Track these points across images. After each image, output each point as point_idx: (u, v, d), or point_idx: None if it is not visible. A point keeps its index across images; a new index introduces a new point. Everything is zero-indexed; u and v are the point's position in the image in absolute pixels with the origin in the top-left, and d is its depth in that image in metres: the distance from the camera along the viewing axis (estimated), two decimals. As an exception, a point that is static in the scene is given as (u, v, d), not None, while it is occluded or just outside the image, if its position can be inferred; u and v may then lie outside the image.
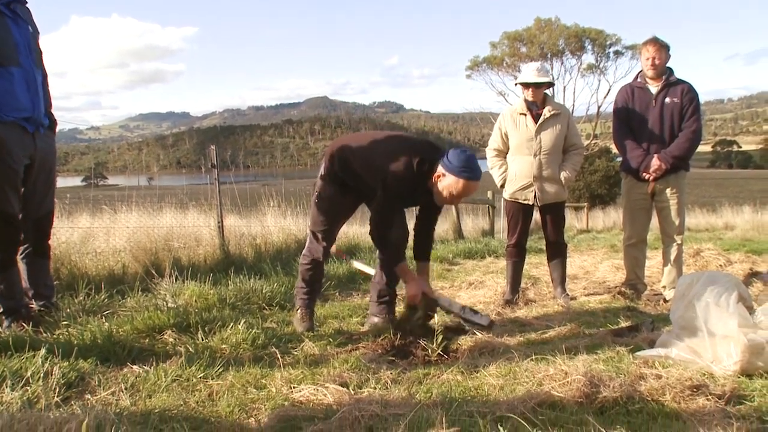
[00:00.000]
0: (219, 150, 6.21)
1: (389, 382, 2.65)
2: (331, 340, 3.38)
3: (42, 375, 2.48)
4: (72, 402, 2.35)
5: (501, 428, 1.96)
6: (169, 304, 3.73)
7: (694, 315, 2.96)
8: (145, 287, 4.30)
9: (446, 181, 3.22)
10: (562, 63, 33.26)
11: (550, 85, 4.67)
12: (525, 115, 4.63)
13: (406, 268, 3.44)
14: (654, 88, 4.65)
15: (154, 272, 4.54)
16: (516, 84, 4.78)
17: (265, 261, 5.90)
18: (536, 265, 6.97)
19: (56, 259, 4.48)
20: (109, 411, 2.10)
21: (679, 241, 4.78)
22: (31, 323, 3.22)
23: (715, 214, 20.30)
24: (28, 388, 2.38)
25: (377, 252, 3.87)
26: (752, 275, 5.80)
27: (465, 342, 3.35)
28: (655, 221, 4.92)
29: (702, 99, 5.06)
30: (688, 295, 3.05)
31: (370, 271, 3.99)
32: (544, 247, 4.98)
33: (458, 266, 7.27)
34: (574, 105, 33.33)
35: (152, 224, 5.88)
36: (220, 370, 2.77)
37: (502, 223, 12.63)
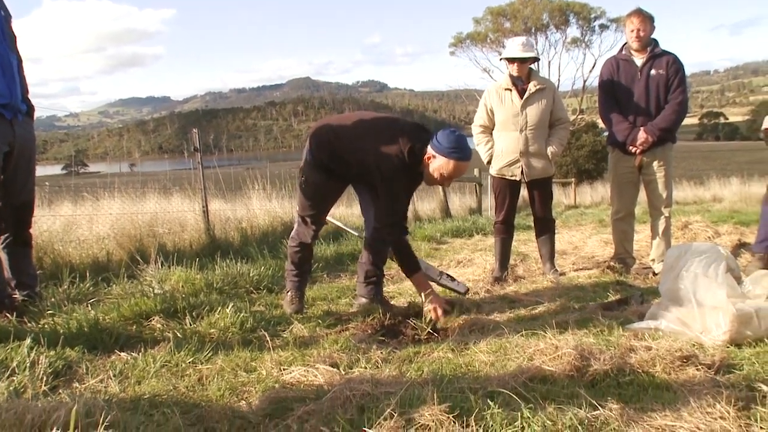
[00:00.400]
0: (201, 134, 6.13)
1: (380, 361, 2.65)
2: (320, 321, 3.38)
3: (28, 365, 2.46)
4: (60, 390, 2.33)
5: (492, 403, 1.96)
6: (156, 290, 3.72)
7: (682, 286, 2.98)
8: (130, 274, 4.26)
9: (437, 163, 3.21)
10: (546, 37, 33.28)
11: (535, 59, 4.66)
12: (510, 90, 4.60)
13: (422, 280, 3.43)
14: (639, 60, 4.63)
15: (139, 259, 4.50)
16: (501, 59, 4.74)
17: (251, 244, 5.86)
18: (525, 242, 6.98)
19: (38, 248, 4.45)
20: (99, 398, 2.09)
21: (667, 214, 4.79)
22: (14, 313, 3.17)
23: (703, 187, 20.44)
24: (14, 378, 2.35)
25: (364, 231, 3.87)
26: (740, 246, 5.84)
27: (455, 320, 3.36)
28: (642, 195, 4.91)
29: (688, 71, 5.09)
30: (676, 267, 3.07)
31: (351, 230, 4.03)
32: (533, 224, 4.99)
33: (446, 245, 7.26)
34: (559, 80, 33.42)
35: (136, 210, 5.84)
36: (209, 355, 2.76)
37: (489, 201, 12.63)
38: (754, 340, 2.75)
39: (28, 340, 2.72)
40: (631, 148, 4.64)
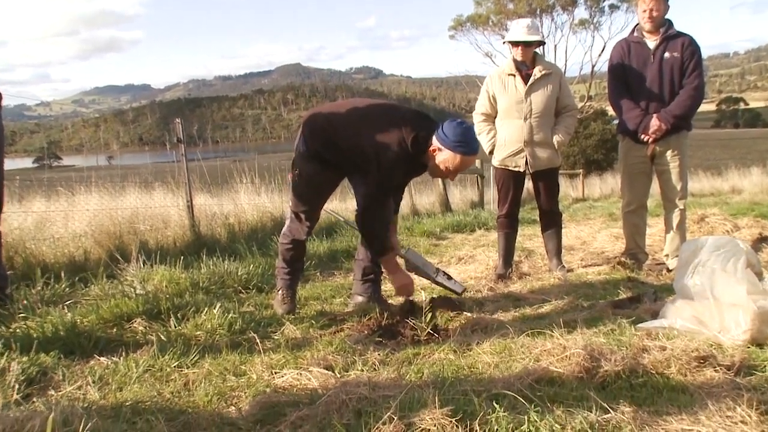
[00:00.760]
0: (185, 124, 6.07)
1: (377, 363, 2.65)
2: (313, 322, 3.38)
3: (-2, 371, 2.52)
4: (34, 399, 2.31)
5: (497, 406, 1.96)
6: (138, 291, 3.71)
7: (699, 283, 2.96)
8: (110, 274, 4.24)
9: (442, 156, 3.20)
10: (552, 19, 32.91)
11: (541, 43, 4.61)
12: (514, 76, 4.57)
13: (394, 262, 3.43)
14: (652, 42, 4.57)
15: (119, 257, 4.49)
16: (504, 43, 4.69)
17: (239, 241, 5.85)
18: (530, 237, 6.98)
19: (9, 246, 4.42)
20: (77, 405, 2.08)
21: (682, 207, 4.75)
22: (-16, 316, 3.22)
23: (721, 178, 20.36)
24: (-16, 386, 2.41)
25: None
26: (761, 240, 5.78)
27: (456, 319, 3.36)
28: (655, 186, 4.88)
29: (705, 53, 5.05)
30: (692, 261, 3.05)
31: (348, 223, 4.10)
32: (538, 218, 4.96)
33: (446, 240, 7.26)
34: (566, 64, 33.15)
35: (115, 206, 5.81)
36: (196, 358, 2.76)
37: (492, 194, 12.62)
38: (776, 340, 2.84)
39: (-2, 345, 2.78)
40: (643, 136, 4.59)
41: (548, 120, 4.58)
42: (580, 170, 25.61)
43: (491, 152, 4.75)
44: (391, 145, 3.18)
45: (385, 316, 3.33)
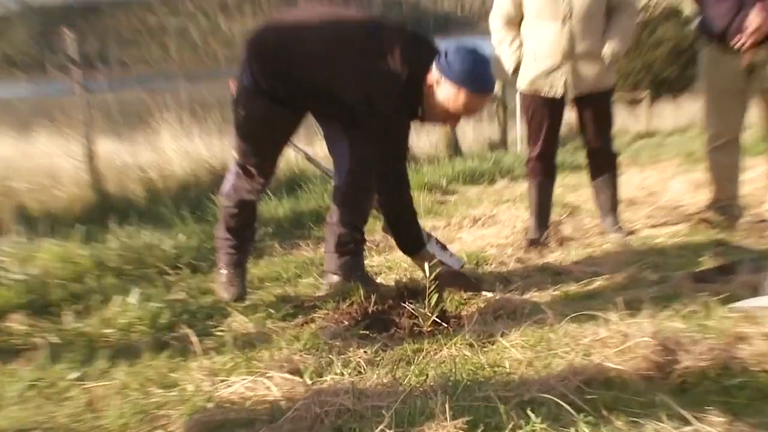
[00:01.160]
0: (78, 39, 6.00)
1: (363, 364, 2.67)
2: (272, 311, 3.40)
3: None
4: None
5: (533, 415, 1.98)
6: (15, 275, 3.66)
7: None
8: (-30, 254, 4.37)
9: (443, 92, 3.20)
10: None
11: None
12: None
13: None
14: None
15: (-16, 229, 4.61)
16: None
17: (163, 203, 5.79)
18: (573, 188, 7.03)
19: None
20: None
21: (794, 140, 4.85)
22: None
23: None
24: None
25: (334, 179, 3.88)
26: None
27: (472, 302, 3.37)
28: (755, 113, 4.81)
29: None
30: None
31: (326, 172, 4.21)
32: (584, 161, 5.00)
33: (456, 196, 7.32)
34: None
35: (-28, 158, 5.95)
36: (105, 367, 2.74)
37: (519, 130, 12.62)
38: None
39: None
40: (736, 40, 4.38)
41: (596, 23, 4.43)
42: (645, 93, 25.27)
43: (516, 71, 4.65)
44: (380, 77, 3.20)
45: (373, 300, 3.35)
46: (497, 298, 3.40)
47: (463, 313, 3.33)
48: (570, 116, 5.07)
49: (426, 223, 5.37)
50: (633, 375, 2.35)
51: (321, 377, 2.58)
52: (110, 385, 2.61)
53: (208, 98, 8.23)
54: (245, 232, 3.84)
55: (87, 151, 6.07)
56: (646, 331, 2.54)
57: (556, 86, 4.52)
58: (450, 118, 3.29)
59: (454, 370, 2.55)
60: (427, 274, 3.24)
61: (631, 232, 4.90)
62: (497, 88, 12.72)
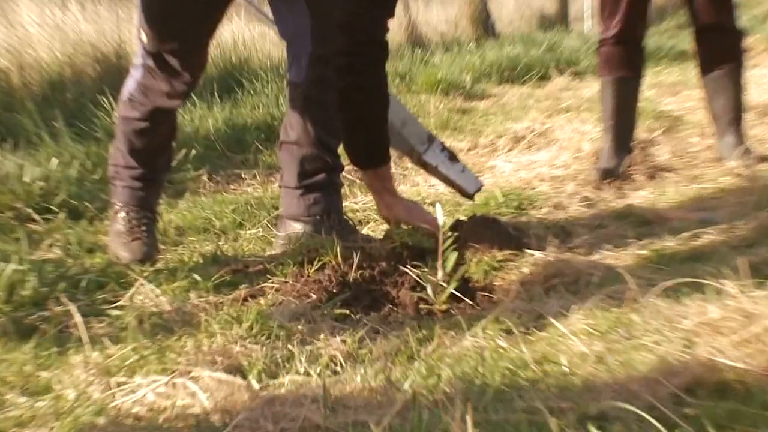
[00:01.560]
0: None
1: (340, 359, 2.31)
2: (198, 279, 2.96)
3: None
4: None
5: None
6: None
7: None
8: None
9: None
10: None
11: None
12: None
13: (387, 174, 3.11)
14: None
15: None
16: None
17: (23, 110, 5.32)
18: (672, 89, 6.52)
19: None
20: None
21: None
22: None
23: None
24: None
25: (288, 72, 3.47)
26: None
27: (509, 266, 2.93)
28: None
29: None
30: None
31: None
32: (691, 47, 4.60)
33: (487, 101, 6.85)
34: None
35: None
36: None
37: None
38: None
39: None
40: None
41: None
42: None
43: None
44: None
45: (356, 261, 2.89)
46: (550, 259, 2.96)
47: (497, 282, 2.88)
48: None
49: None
50: (760, 377, 1.97)
51: (275, 378, 2.24)
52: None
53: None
54: (158, 158, 3.47)
55: None
56: (781, 310, 2.19)
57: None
58: None
59: (481, 369, 2.15)
60: (439, 219, 2.74)
61: (764, 158, 4.32)
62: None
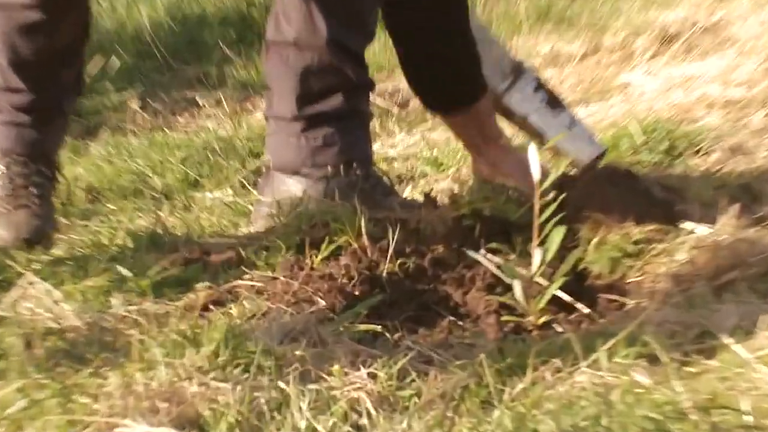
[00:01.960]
0: None
1: (368, 406, 1.74)
2: (125, 271, 2.30)
3: None
4: None
5: None
6: None
7: None
8: None
9: None
10: None
11: None
12: None
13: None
14: None
15: None
16: None
17: None
18: None
19: None
20: None
21: None
22: None
23: None
24: None
25: None
26: None
27: (656, 251, 2.26)
28: None
29: None
30: None
31: None
32: None
33: None
34: None
35: None
36: None
37: None
38: None
39: None
40: None
41: None
42: None
43: None
44: None
45: (393, 243, 2.21)
46: (722, 239, 2.28)
47: (632, 278, 2.19)
48: None
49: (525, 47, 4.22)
50: None
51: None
52: None
53: None
54: (57, 75, 2.83)
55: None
56: None
57: None
58: None
59: (605, 422, 1.57)
60: (534, 171, 2.03)
61: None
62: None
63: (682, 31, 4.28)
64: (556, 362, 1.74)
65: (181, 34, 4.52)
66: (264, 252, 2.27)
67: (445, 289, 2.11)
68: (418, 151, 3.37)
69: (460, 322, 2.03)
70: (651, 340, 1.72)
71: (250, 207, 2.81)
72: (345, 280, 2.09)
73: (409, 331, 1.96)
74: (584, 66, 4.09)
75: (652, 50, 4.17)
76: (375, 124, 3.27)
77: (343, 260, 2.15)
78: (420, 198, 2.73)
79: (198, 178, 3.23)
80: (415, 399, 1.75)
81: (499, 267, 2.03)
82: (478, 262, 2.10)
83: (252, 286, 2.16)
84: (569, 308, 2.02)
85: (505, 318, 1.95)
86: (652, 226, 2.25)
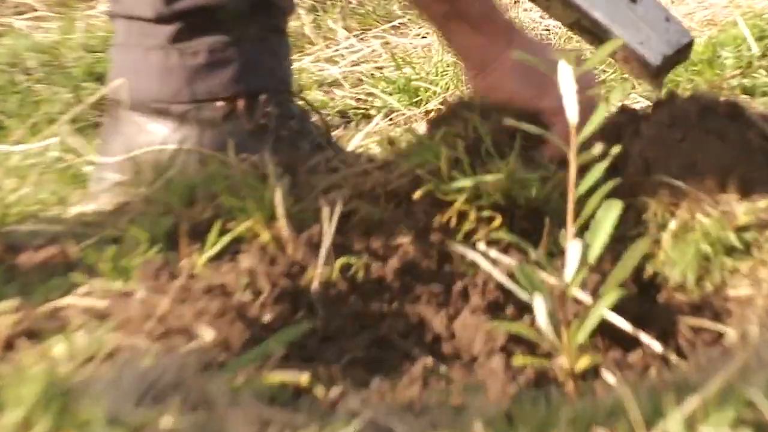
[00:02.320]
0: None
1: None
2: None
3: None
4: None
5: None
6: None
7: None
8: None
9: None
10: None
11: None
12: None
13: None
14: None
15: None
16: None
17: None
18: None
19: None
20: None
21: None
22: None
23: None
24: None
25: None
26: None
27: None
28: None
29: None
30: None
31: None
32: None
33: None
34: None
35: None
36: None
37: None
38: None
39: None
40: None
41: None
42: None
43: None
44: None
45: (329, 231, 1.83)
46: None
47: (735, 291, 1.72)
48: None
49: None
50: None
51: None
52: None
53: None
54: None
55: None
56: None
57: None
58: None
59: None
60: (570, 108, 1.48)
61: None
62: None
63: None
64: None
65: None
66: (110, 248, 1.62)
67: (418, 310, 1.54)
68: (376, 68, 2.82)
69: (444, 368, 1.47)
70: (762, 399, 1.22)
71: (88, 170, 2.19)
72: (248, 296, 1.50)
73: (356, 384, 1.42)
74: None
75: None
76: (300, 23, 2.76)
77: (245, 261, 1.55)
78: (379, 153, 2.01)
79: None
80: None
81: (508, 273, 1.48)
82: (474, 265, 1.54)
83: (89, 306, 1.55)
84: (629, 342, 1.49)
85: (519, 360, 1.41)
86: (768, 201, 1.64)
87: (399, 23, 3.00)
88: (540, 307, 1.33)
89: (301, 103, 2.25)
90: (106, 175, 2.11)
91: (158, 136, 2.11)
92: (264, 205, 1.68)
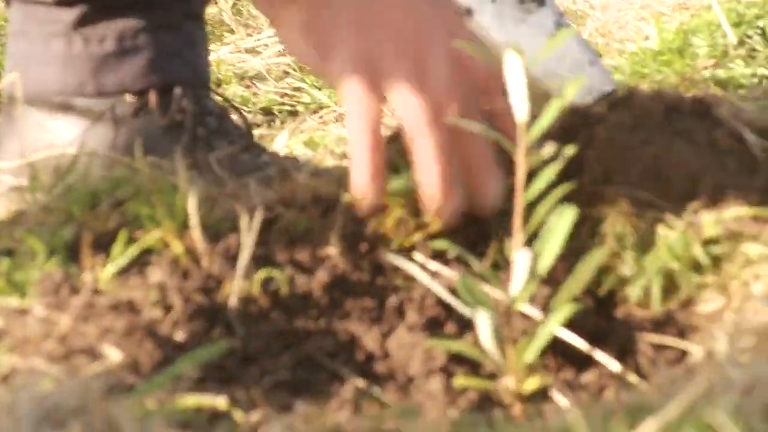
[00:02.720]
0: None
1: None
2: None
3: None
4: None
5: None
6: None
7: None
8: None
9: None
10: None
11: None
12: None
13: None
14: None
15: None
16: None
17: None
18: None
19: None
20: None
21: None
22: None
23: None
24: None
25: None
26: None
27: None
28: None
29: None
30: None
31: None
32: None
33: None
34: None
35: None
36: None
37: None
38: None
39: None
40: None
41: None
42: None
43: None
44: None
45: (249, 241, 1.85)
46: None
47: (701, 306, 1.95)
48: None
49: None
50: None
51: None
52: None
53: None
54: None
55: None
56: None
57: None
58: None
59: None
60: (518, 101, 1.53)
61: None
62: None
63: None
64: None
65: None
66: (4, 260, 1.65)
67: (348, 328, 1.54)
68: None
69: (377, 390, 1.48)
70: (727, 423, 1.20)
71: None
72: (158, 313, 1.50)
73: (278, 408, 1.40)
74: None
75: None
76: (218, 9, 2.83)
77: (155, 275, 1.53)
78: (306, 154, 2.18)
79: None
80: None
81: (449, 286, 1.48)
82: (410, 278, 1.54)
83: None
84: (583, 361, 1.48)
85: (460, 381, 1.40)
86: (741, 209, 1.59)
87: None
88: (483, 323, 1.31)
89: (219, 98, 2.18)
90: (1, 179, 2.08)
91: (60, 134, 2.07)
92: (176, 212, 1.64)
